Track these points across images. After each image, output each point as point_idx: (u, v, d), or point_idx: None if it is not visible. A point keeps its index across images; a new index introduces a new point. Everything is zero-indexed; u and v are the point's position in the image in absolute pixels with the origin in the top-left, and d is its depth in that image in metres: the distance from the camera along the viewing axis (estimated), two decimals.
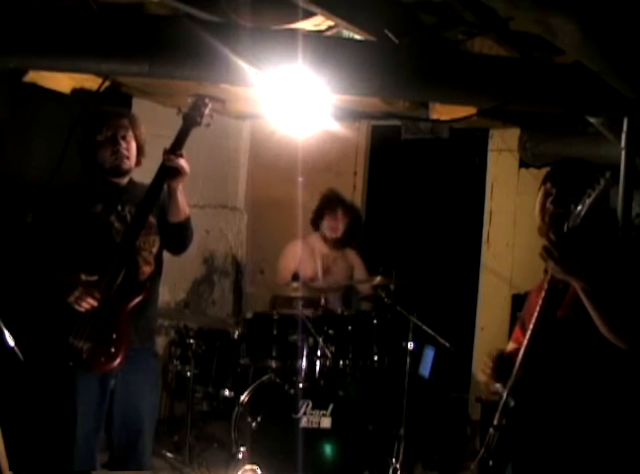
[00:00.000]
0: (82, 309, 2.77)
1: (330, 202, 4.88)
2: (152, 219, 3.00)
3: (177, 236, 3.11)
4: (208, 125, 3.01)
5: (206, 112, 3.01)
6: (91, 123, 2.99)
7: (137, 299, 2.91)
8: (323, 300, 4.34)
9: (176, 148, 2.94)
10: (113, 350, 2.82)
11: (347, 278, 4.91)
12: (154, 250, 3.05)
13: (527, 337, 2.16)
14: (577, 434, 2.11)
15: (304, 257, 4.81)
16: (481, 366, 2.33)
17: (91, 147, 2.97)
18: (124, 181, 3.04)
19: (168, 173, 2.91)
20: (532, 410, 2.15)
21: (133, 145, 3.02)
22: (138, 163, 3.07)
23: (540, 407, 2.15)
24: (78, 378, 2.85)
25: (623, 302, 1.98)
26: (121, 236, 2.91)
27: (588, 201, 1.97)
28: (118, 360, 2.83)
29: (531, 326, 2.15)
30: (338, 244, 4.86)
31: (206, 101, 2.98)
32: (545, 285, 2.14)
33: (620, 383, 2.10)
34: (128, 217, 2.96)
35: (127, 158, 2.99)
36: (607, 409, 2.09)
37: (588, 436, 2.09)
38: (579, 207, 1.99)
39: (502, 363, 2.26)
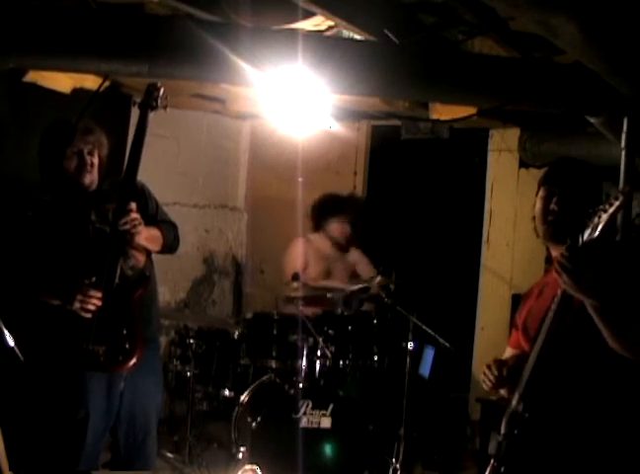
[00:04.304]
0: (89, 315, 2.76)
1: (338, 206, 4.72)
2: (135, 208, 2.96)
3: (159, 253, 3.16)
4: (165, 108, 2.96)
5: (160, 94, 2.95)
6: (58, 136, 2.95)
7: (141, 290, 2.92)
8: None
9: (128, 184, 2.89)
10: (127, 345, 2.82)
11: (349, 276, 4.86)
12: None
13: (539, 345, 2.09)
14: (589, 442, 2.06)
15: (309, 257, 4.77)
16: (482, 377, 2.27)
17: (56, 159, 2.93)
18: (92, 188, 3.02)
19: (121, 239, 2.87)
20: (544, 419, 2.10)
21: (97, 162, 3.00)
22: (101, 178, 3.04)
23: (553, 416, 2.10)
24: (88, 381, 2.85)
25: (631, 313, 1.92)
26: (108, 232, 2.87)
27: (605, 216, 1.89)
28: (135, 356, 2.83)
29: (543, 335, 2.08)
30: (344, 246, 4.79)
31: (158, 85, 2.94)
32: (558, 296, 2.05)
33: (632, 392, 2.06)
34: (109, 214, 2.91)
35: (90, 173, 2.97)
36: (620, 416, 2.05)
37: (600, 445, 2.04)
38: (595, 221, 1.91)
39: (502, 373, 2.21)
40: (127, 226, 2.83)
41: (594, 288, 1.92)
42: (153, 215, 3.13)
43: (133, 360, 2.83)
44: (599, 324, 1.95)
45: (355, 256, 4.91)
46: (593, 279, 1.91)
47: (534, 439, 2.11)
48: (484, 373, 2.26)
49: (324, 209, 4.74)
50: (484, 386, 2.29)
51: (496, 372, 2.22)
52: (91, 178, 2.99)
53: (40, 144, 2.99)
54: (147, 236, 2.97)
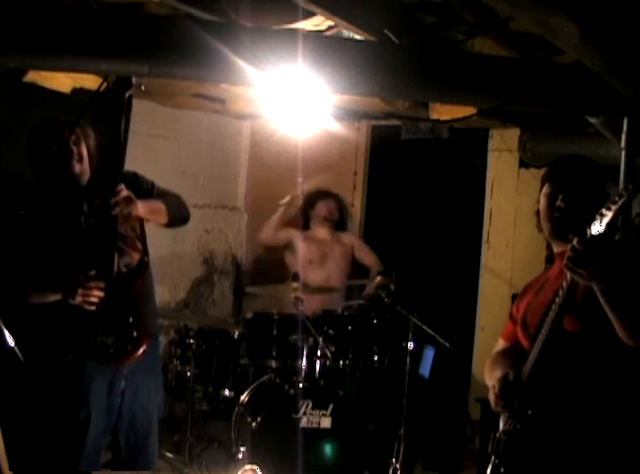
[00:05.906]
0: (92, 307, 2.75)
1: (319, 193, 5.16)
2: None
3: (172, 225, 3.15)
4: (140, 86, 2.90)
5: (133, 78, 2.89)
6: (43, 132, 2.93)
7: (141, 278, 2.92)
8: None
9: (116, 156, 2.86)
10: (135, 334, 2.82)
11: (347, 261, 5.10)
12: (138, 232, 3.04)
13: (541, 341, 2.10)
14: (591, 438, 2.06)
15: (302, 243, 5.00)
16: (489, 388, 2.28)
17: (43, 156, 2.91)
18: (84, 180, 2.99)
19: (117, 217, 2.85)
20: (546, 415, 2.11)
21: (85, 152, 2.97)
22: (92, 170, 3.01)
23: (553, 414, 2.10)
24: (89, 381, 2.84)
25: (637, 303, 1.94)
26: (101, 226, 2.85)
27: (614, 208, 1.88)
28: (145, 344, 2.83)
29: (546, 331, 2.08)
30: (337, 223, 5.15)
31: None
32: (563, 290, 2.05)
33: (635, 390, 2.06)
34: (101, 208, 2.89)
35: (78, 163, 2.94)
36: (620, 416, 2.05)
37: (602, 442, 2.05)
38: (603, 214, 1.90)
39: (508, 387, 2.20)
40: (120, 206, 2.81)
41: (603, 277, 1.92)
42: (149, 191, 3.10)
43: (143, 348, 2.83)
44: (608, 311, 1.94)
45: (351, 239, 5.21)
46: (601, 269, 1.92)
47: (535, 436, 2.11)
48: (492, 388, 2.27)
49: (309, 199, 5.16)
50: (491, 404, 2.27)
51: (499, 388, 2.22)
52: (80, 168, 2.95)
53: (28, 142, 2.97)
54: (147, 209, 2.95)
